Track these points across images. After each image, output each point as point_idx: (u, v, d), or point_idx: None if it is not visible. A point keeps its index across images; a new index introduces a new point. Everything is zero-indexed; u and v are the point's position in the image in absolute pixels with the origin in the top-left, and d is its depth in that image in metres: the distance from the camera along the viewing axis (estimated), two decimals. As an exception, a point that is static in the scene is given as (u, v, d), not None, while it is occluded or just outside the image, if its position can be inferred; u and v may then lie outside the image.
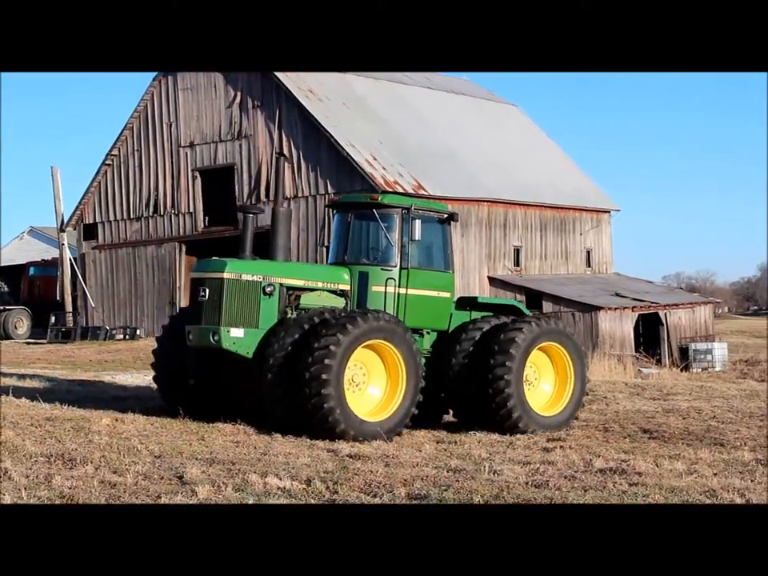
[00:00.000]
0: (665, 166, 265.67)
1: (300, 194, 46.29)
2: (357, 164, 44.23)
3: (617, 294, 49.71)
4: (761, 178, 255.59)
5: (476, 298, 20.74)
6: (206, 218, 50.30)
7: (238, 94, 48.35)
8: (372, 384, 17.41)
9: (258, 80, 47.69)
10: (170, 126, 50.85)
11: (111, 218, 52.26)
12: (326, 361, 16.39)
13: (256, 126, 47.86)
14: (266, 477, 12.77)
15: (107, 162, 52.28)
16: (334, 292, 18.49)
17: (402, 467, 14.07)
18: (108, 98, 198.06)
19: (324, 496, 11.95)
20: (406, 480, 12.95)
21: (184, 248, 51.16)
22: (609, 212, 56.36)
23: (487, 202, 47.27)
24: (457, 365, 18.76)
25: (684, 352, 50.03)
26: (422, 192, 44.50)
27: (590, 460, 15.00)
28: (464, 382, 18.71)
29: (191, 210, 50.36)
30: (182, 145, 50.40)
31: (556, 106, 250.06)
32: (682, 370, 45.41)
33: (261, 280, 17.59)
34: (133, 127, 51.65)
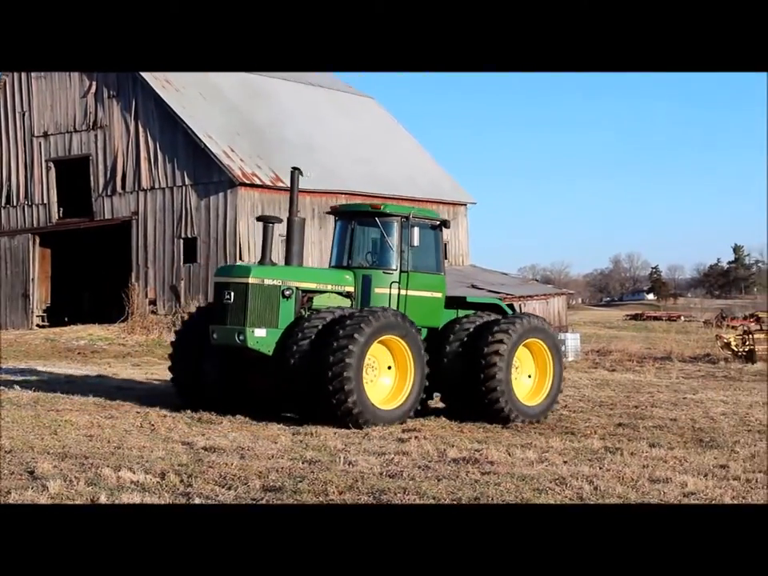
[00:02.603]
0: (521, 159, 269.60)
1: (157, 186, 45.82)
2: (214, 156, 43.91)
3: (473, 286, 50.17)
4: (613, 173, 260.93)
5: (464, 297, 22.00)
6: (61, 209, 49.47)
7: (94, 83, 47.62)
8: (383, 375, 18.89)
9: (113, 70, 47.05)
10: (23, 115, 49.88)
11: (-38, 208, 51.08)
12: (346, 354, 17.83)
13: (112, 116, 47.20)
14: (119, 471, 12.63)
15: (-42, 151, 51.06)
16: (340, 294, 20.04)
17: (257, 459, 14.04)
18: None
19: (178, 489, 11.87)
20: (260, 472, 12.94)
21: (38, 239, 50.26)
22: (465, 204, 56.89)
23: (345, 194, 47.27)
24: (449, 357, 20.06)
25: (537, 342, 50.62)
26: (280, 184, 44.37)
27: (444, 450, 15.17)
28: (456, 372, 20.02)
29: (45, 201, 49.48)
30: (36, 134, 49.47)
31: (412, 98, 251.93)
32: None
33: (280, 284, 19.11)
34: (-16, 116, 50.54)
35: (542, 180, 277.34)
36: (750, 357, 36.92)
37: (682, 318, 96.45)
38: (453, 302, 21.08)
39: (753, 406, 22.62)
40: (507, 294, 50.94)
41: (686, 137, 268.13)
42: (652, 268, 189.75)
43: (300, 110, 51.62)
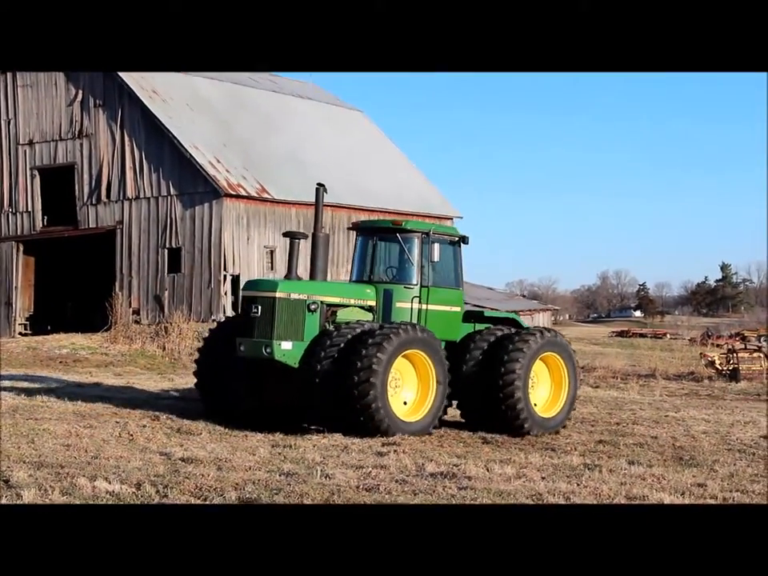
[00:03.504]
0: (509, 175, 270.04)
1: (142, 195, 45.80)
2: (200, 166, 43.94)
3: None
4: (602, 189, 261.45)
5: (482, 311, 22.73)
6: (45, 217, 49.39)
7: (80, 92, 47.60)
8: (405, 388, 19.30)
9: (100, 78, 47.01)
10: (9, 123, 49.83)
11: (-54, 215, 50.97)
12: (374, 366, 18.28)
13: (97, 125, 47.18)
14: (95, 480, 12.63)
15: (-57, 158, 50.95)
16: (363, 307, 20.51)
17: (234, 471, 14.04)
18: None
19: (153, 500, 11.86)
20: (237, 484, 12.94)
21: (22, 247, 50.17)
22: (452, 219, 56.93)
23: (331, 206, 47.23)
24: (468, 371, 20.57)
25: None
26: (266, 195, 44.44)
27: (423, 464, 15.18)
28: (474, 386, 20.51)
29: (29, 209, 49.42)
30: (21, 143, 49.43)
31: (401, 112, 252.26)
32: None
33: (306, 298, 19.56)
34: (-30, 124, 50.47)
35: (530, 195, 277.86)
36: (734, 376, 36.98)
37: (668, 335, 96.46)
38: (470, 316, 21.75)
39: (734, 424, 22.66)
40: (492, 309, 50.98)
41: (676, 154, 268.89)
42: (639, 285, 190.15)
43: (287, 122, 51.66)
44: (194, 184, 44.49)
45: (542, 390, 21.32)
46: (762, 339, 79.54)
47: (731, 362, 38.45)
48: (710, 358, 39.32)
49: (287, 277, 20.38)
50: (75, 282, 53.22)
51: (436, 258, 20.19)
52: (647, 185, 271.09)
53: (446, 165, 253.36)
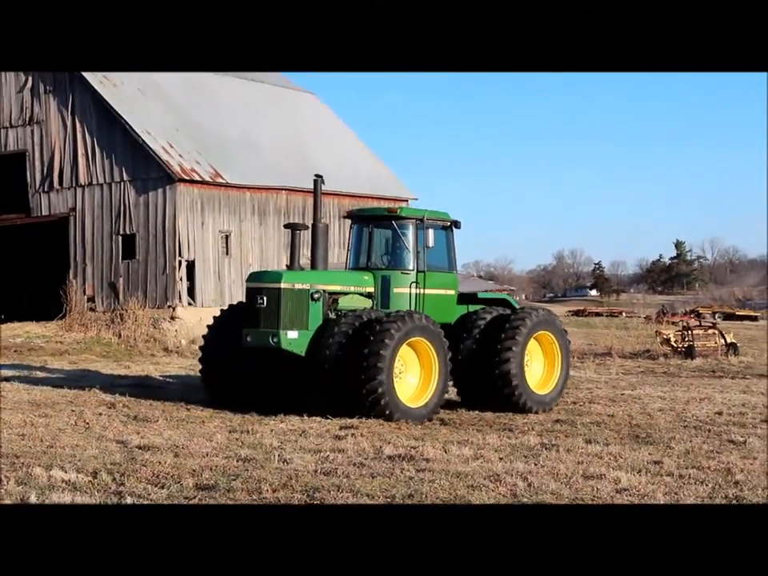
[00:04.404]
0: (464, 155, 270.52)
1: (95, 182, 45.44)
2: (153, 151, 43.62)
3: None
4: (556, 169, 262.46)
5: (476, 293, 23.30)
6: (-4, 205, 48.97)
7: (30, 78, 47.15)
8: (409, 374, 19.81)
9: (50, 64, 46.50)
10: (-42, 110, 49.33)
11: None
12: (382, 352, 18.77)
13: (48, 111, 46.73)
14: (50, 470, 12.60)
15: None
16: (362, 294, 21.17)
17: (191, 457, 14.04)
18: None
19: (110, 488, 11.85)
20: (194, 470, 12.94)
21: (-27, 236, 49.75)
22: (407, 201, 56.85)
23: (285, 190, 47.14)
24: (464, 352, 21.28)
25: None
26: (220, 180, 44.24)
27: (381, 447, 15.24)
28: (471, 366, 21.24)
29: (-20, 197, 48.95)
30: (-29, 130, 48.94)
31: (353, 94, 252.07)
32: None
33: (309, 287, 20.15)
34: None
35: (485, 176, 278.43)
36: (689, 353, 37.22)
37: (624, 313, 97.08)
38: (463, 298, 22.43)
39: (690, 402, 22.86)
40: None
41: (629, 132, 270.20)
42: (595, 264, 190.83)
43: (240, 106, 51.41)
44: (147, 169, 44.17)
45: (536, 367, 22.05)
46: (716, 316, 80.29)
47: (686, 339, 38.70)
48: (665, 336, 39.53)
49: (290, 267, 21.15)
50: (29, 271, 52.83)
51: (431, 243, 20.67)
52: (600, 162, 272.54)
53: (399, 146, 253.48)
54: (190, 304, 43.17)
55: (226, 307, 22.58)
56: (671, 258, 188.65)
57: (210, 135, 46.90)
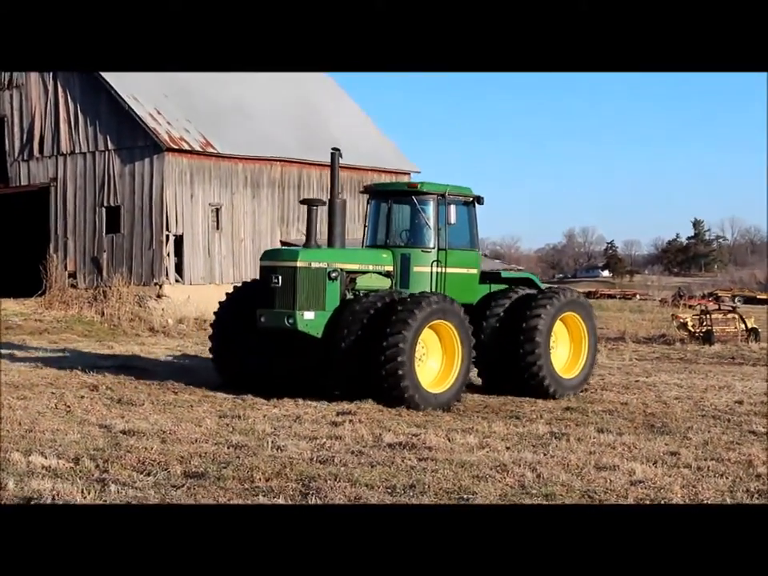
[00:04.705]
0: (468, 128, 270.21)
1: (78, 150, 45.33)
2: (139, 118, 43.48)
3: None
4: (567, 143, 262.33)
5: (499, 272, 23.45)
6: (-27, 174, 48.87)
7: (9, 39, 47.01)
8: (431, 358, 19.82)
9: (31, 25, 46.33)
10: (-67, 72, 49.19)
11: None
12: (401, 341, 18.76)
13: (28, 75, 46.54)
14: (29, 455, 12.60)
15: None
16: (380, 273, 21.13)
17: (179, 443, 14.03)
18: None
19: (93, 475, 11.84)
20: (182, 457, 12.94)
21: (-52, 207, 49.66)
22: (409, 174, 56.78)
23: (280, 161, 47.04)
24: (487, 333, 21.35)
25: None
26: (210, 150, 44.11)
27: (380, 434, 15.22)
28: (494, 348, 21.33)
29: (-44, 165, 48.84)
30: (-54, 94, 48.83)
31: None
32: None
33: (326, 266, 20.16)
34: None
35: (491, 150, 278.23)
36: (707, 338, 37.20)
37: (638, 296, 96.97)
38: (486, 277, 22.45)
39: (708, 389, 22.85)
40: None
41: (644, 108, 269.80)
42: (607, 243, 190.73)
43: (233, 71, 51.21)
44: (134, 138, 44.04)
45: (562, 350, 22.12)
46: (736, 299, 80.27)
47: (704, 323, 38.67)
48: (682, 320, 39.49)
49: (306, 245, 20.88)
50: (6, 244, 52.74)
51: (453, 219, 20.83)
52: (615, 137, 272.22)
53: (402, 119, 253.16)
54: (177, 281, 43.10)
55: (221, 283, 22.61)
56: (688, 238, 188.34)
57: (201, 102, 46.73)
